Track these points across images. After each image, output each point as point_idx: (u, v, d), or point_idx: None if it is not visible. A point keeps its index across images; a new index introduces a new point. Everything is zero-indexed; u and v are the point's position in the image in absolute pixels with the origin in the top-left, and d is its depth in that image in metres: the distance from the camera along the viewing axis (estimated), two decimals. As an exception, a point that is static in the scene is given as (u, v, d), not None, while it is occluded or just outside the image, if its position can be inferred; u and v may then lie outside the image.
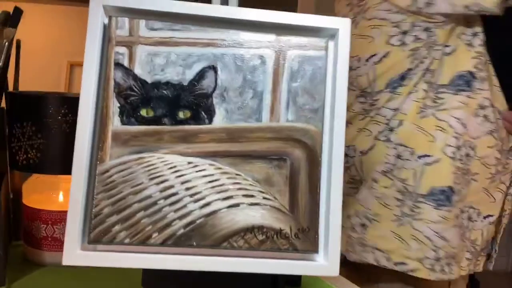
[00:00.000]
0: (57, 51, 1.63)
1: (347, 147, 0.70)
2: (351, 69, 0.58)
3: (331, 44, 0.39)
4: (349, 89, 0.41)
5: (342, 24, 0.38)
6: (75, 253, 0.34)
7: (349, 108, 0.69)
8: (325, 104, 0.38)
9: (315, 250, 0.37)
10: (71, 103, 0.46)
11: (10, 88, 0.60)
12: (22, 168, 0.48)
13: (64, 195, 0.51)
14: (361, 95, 0.71)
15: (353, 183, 0.74)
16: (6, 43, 0.47)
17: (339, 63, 0.38)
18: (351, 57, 0.40)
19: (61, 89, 1.66)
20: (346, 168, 0.72)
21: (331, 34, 0.39)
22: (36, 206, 0.49)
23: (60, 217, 0.48)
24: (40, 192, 0.51)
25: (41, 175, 0.49)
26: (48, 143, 0.47)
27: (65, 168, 0.46)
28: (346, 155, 0.70)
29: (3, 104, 0.51)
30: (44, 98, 0.46)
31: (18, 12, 0.50)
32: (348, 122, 0.58)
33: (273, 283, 0.48)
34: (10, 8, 0.52)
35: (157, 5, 0.37)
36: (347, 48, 0.38)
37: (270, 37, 0.38)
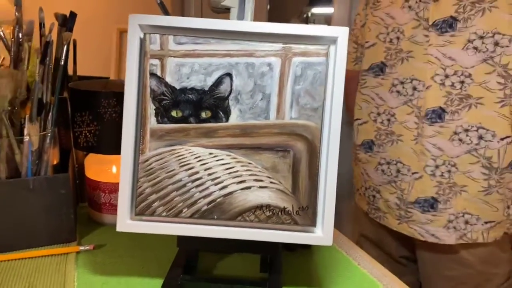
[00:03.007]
0: (107, 19, 1.74)
1: None
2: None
3: (332, 49, 0.45)
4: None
5: (341, 32, 0.44)
6: (125, 222, 0.45)
7: None
8: (325, 103, 0.45)
9: (313, 225, 0.45)
10: (118, 97, 0.55)
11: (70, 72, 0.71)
12: (83, 149, 0.59)
13: (116, 168, 0.62)
14: None
15: None
16: (65, 46, 0.57)
17: (337, 66, 0.44)
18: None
19: (112, 54, 1.79)
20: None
21: (332, 41, 0.44)
22: (96, 178, 0.60)
23: (115, 188, 0.60)
24: (98, 166, 0.62)
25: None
26: (102, 129, 0.57)
27: (116, 149, 0.56)
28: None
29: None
30: (98, 93, 0.56)
31: (73, 16, 0.59)
32: None
33: (287, 245, 0.57)
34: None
35: (182, 22, 0.44)
36: (345, 53, 0.44)
37: (277, 46, 0.44)
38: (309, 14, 2.34)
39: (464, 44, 0.78)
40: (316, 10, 2.36)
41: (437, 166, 0.82)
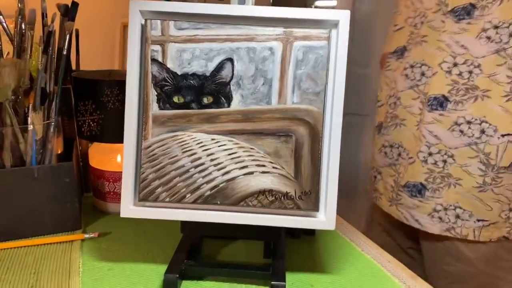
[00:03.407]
0: (111, 14, 1.75)
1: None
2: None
3: (334, 33, 0.44)
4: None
5: (342, 16, 0.44)
6: (129, 208, 0.45)
7: None
8: (327, 87, 0.44)
9: (316, 209, 0.45)
10: (121, 85, 0.56)
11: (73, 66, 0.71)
12: (87, 138, 0.59)
13: (121, 157, 0.62)
14: None
15: None
16: (68, 35, 0.57)
17: (339, 51, 0.44)
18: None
19: (116, 49, 1.79)
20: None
21: (334, 25, 0.44)
22: (100, 167, 0.61)
23: (119, 176, 0.60)
24: (102, 156, 0.62)
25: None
26: (105, 118, 0.57)
27: (120, 137, 0.57)
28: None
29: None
30: (100, 82, 0.56)
31: (75, 6, 0.59)
32: None
33: (291, 232, 0.57)
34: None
35: (183, 7, 0.44)
36: (346, 37, 0.44)
37: (279, 30, 0.44)
38: (313, 7, 2.33)
39: (478, 33, 0.77)
40: (320, 2, 2.35)
41: (430, 154, 0.82)
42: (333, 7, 1.86)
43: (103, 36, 1.77)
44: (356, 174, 1.79)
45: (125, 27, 1.75)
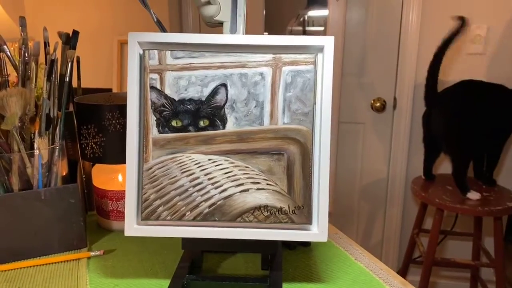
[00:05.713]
0: (108, 32, 1.79)
1: None
2: None
3: (319, 57, 0.47)
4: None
5: (327, 41, 0.47)
6: (133, 227, 0.48)
7: None
8: (315, 107, 0.48)
9: (309, 222, 0.48)
10: (122, 109, 0.59)
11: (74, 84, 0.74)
12: (90, 160, 0.62)
13: (122, 177, 0.65)
14: None
15: None
16: (70, 63, 0.60)
17: (325, 73, 0.47)
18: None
19: (114, 65, 1.83)
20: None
21: (319, 49, 0.47)
22: (103, 187, 0.64)
23: (121, 195, 0.63)
24: (105, 175, 0.65)
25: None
26: (107, 140, 0.60)
27: (121, 158, 0.60)
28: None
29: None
30: (102, 106, 0.59)
31: (76, 35, 0.62)
32: None
33: (287, 244, 0.60)
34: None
35: (178, 38, 0.47)
36: (331, 60, 0.47)
37: (268, 57, 0.47)
38: (306, 17, 2.38)
39: None
40: (313, 13, 2.40)
41: None
42: (326, 16, 1.90)
43: (101, 53, 1.81)
44: (352, 179, 1.83)
45: (121, 44, 1.79)
